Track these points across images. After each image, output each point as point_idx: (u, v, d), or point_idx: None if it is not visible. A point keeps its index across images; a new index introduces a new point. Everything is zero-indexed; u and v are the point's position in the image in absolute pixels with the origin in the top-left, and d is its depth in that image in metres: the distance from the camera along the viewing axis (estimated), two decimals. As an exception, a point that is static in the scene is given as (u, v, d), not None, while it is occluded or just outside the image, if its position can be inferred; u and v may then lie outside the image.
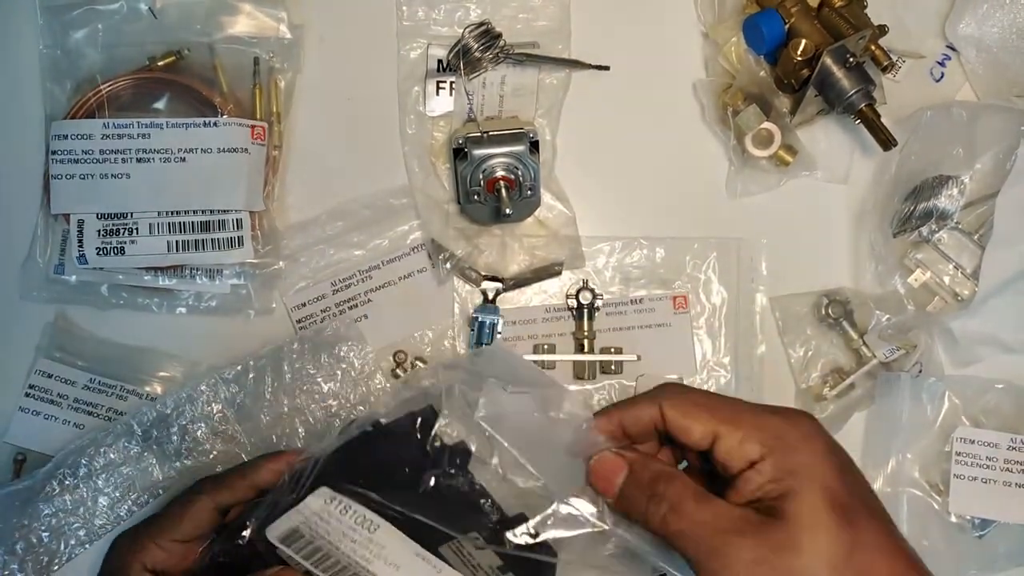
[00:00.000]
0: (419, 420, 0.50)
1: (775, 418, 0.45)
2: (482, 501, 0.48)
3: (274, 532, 0.48)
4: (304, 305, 0.67)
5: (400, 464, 0.49)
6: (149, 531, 0.52)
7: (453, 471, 0.49)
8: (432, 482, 0.48)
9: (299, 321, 0.67)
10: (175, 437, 0.61)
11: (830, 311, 0.67)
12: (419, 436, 0.50)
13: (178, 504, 0.53)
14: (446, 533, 0.47)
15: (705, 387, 0.67)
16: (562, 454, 0.49)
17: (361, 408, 0.64)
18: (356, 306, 0.67)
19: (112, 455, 0.60)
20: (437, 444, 0.50)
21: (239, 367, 0.63)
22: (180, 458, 0.61)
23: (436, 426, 0.49)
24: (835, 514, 0.41)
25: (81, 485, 0.60)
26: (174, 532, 0.51)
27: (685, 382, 0.66)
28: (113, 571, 0.51)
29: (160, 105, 0.65)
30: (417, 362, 0.67)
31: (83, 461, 0.60)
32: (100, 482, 0.60)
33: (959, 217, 0.67)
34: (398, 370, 0.67)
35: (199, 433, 0.62)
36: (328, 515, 0.47)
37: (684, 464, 0.51)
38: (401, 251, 0.67)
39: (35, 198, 0.65)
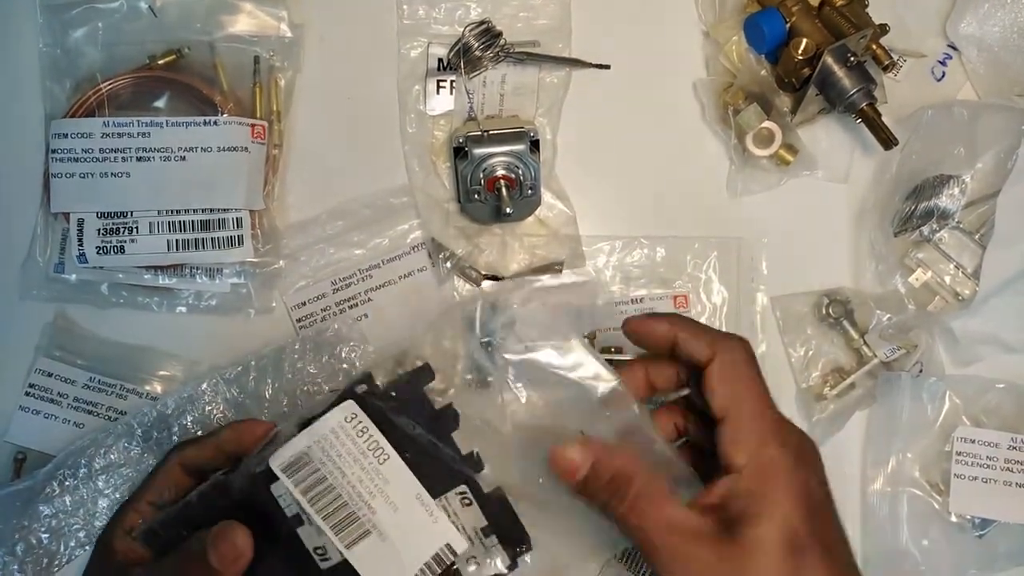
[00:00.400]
0: (415, 379, 0.51)
1: (775, 439, 0.46)
2: (467, 471, 0.48)
3: (278, 459, 0.46)
4: (304, 304, 0.67)
5: (394, 422, 0.49)
6: (129, 500, 0.53)
7: (441, 435, 0.49)
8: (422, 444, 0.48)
9: (299, 320, 0.67)
10: (176, 438, 0.61)
11: (831, 311, 0.67)
12: (414, 396, 0.50)
13: (152, 470, 0.54)
14: (440, 487, 0.47)
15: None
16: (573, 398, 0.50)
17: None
18: (356, 305, 0.67)
19: (112, 456, 0.60)
20: (428, 405, 0.50)
21: (240, 367, 0.63)
22: (180, 459, 0.61)
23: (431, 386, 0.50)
24: (785, 551, 0.43)
25: (81, 486, 0.59)
26: (148, 494, 0.52)
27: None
28: (103, 550, 0.52)
29: (160, 104, 0.65)
30: (417, 361, 0.66)
31: (83, 462, 0.60)
32: (100, 483, 0.60)
33: (960, 216, 0.67)
34: (398, 369, 0.66)
35: (199, 433, 0.61)
36: (344, 434, 0.46)
37: (684, 440, 0.53)
38: (401, 250, 0.67)
39: (35, 197, 0.65)
